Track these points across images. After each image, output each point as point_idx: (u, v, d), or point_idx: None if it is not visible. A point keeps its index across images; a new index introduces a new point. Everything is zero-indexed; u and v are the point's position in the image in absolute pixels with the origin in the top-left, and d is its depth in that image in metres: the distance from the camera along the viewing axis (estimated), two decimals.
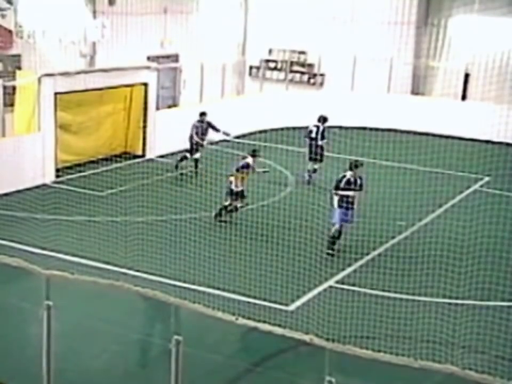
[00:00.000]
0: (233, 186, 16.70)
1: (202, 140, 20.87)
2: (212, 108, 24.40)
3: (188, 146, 20.96)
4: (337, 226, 15.28)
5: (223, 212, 16.73)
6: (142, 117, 22.29)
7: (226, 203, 16.75)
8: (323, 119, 20.50)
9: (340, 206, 15.17)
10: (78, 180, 19.71)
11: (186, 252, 14.08)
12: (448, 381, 8.20)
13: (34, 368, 9.31)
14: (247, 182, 17.11)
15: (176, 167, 21.01)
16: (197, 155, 20.84)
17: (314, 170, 20.48)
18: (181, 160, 21.06)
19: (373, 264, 14.72)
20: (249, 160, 17.01)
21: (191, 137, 20.79)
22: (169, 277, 13.30)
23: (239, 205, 16.85)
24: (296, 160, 21.29)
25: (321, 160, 20.28)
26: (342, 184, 15.16)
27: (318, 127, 20.43)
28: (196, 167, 20.83)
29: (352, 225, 15.52)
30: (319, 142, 20.34)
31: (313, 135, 20.44)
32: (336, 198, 15.21)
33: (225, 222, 16.59)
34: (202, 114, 20.91)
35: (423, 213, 17.50)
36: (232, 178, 16.79)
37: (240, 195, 16.82)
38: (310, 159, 20.46)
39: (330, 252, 14.97)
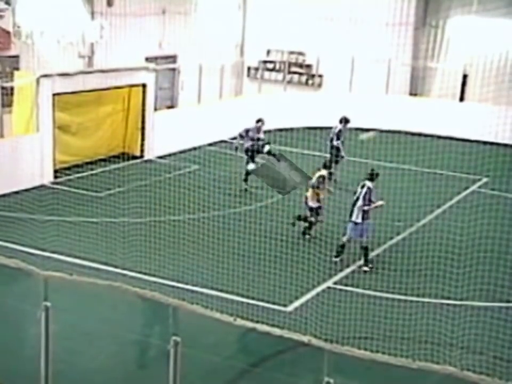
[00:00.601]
0: (309, 202, 15.90)
1: (261, 145, 19.32)
2: (210, 109, 24.46)
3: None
4: (369, 236, 14.77)
5: (308, 227, 15.97)
6: (140, 118, 22.28)
7: (312, 218, 15.94)
8: (344, 120, 20.58)
9: (366, 218, 14.60)
10: (76, 180, 19.68)
11: (185, 253, 14.10)
12: (446, 382, 8.20)
13: (32, 369, 9.31)
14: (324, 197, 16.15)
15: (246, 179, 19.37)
16: (251, 166, 19.15)
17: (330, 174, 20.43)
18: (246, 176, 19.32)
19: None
20: (324, 172, 16.21)
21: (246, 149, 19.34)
22: (168, 277, 13.29)
23: (313, 220, 15.97)
24: (295, 162, 21.22)
25: (336, 162, 20.21)
26: (370, 197, 14.50)
27: (336, 127, 20.53)
28: (246, 180, 19.28)
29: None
30: (334, 143, 20.45)
31: (330, 135, 20.64)
32: (362, 212, 14.48)
33: (310, 235, 15.88)
34: (259, 121, 19.56)
35: (421, 214, 17.52)
36: (308, 194, 16.03)
37: (315, 211, 15.92)
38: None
39: (369, 265, 14.50)
